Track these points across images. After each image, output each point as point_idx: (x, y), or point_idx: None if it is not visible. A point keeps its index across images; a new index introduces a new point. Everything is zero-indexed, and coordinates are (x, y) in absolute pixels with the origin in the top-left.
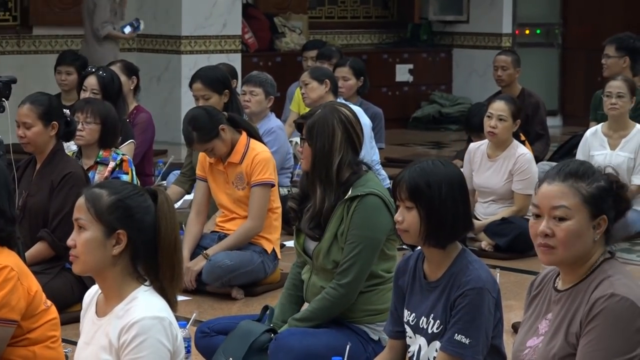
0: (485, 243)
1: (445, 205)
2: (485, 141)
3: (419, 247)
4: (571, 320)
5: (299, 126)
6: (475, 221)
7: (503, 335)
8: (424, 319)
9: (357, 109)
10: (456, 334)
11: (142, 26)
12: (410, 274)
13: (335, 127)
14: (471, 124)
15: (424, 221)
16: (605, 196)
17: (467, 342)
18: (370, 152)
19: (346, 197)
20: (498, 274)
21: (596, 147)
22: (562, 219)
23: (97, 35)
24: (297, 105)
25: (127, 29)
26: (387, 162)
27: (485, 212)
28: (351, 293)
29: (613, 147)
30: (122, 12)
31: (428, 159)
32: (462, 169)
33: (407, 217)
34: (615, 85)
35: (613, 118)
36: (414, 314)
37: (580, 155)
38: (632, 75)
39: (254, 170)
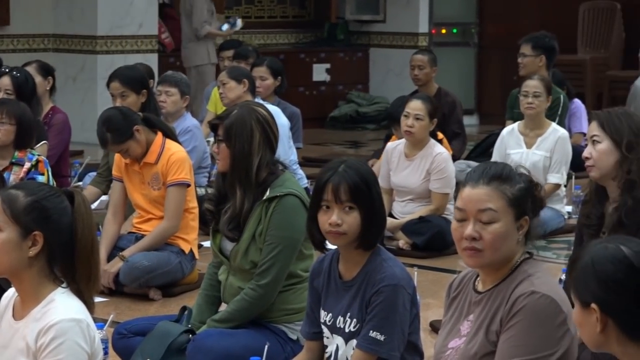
0: (402, 242)
1: (381, 205)
2: (403, 140)
3: (335, 247)
4: (492, 319)
5: (214, 127)
6: (393, 220)
7: (420, 332)
8: (340, 318)
9: (274, 109)
10: (371, 331)
11: (239, 23)
12: (325, 274)
13: (253, 128)
14: (394, 117)
15: (364, 222)
16: (526, 197)
17: (382, 338)
18: (288, 151)
19: (264, 197)
20: (416, 273)
21: (512, 145)
22: (489, 222)
23: (198, 35)
24: (214, 105)
25: (225, 27)
26: (304, 162)
27: (403, 211)
28: (270, 293)
29: (529, 145)
30: (213, 10)
31: (347, 159)
32: (379, 168)
33: (346, 219)
34: (532, 85)
35: (529, 117)
36: (330, 314)
37: (496, 154)
38: (548, 74)
39: (169, 170)
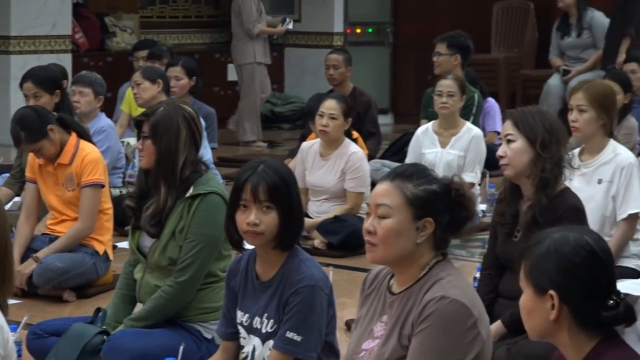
0: (318, 241)
1: (299, 205)
2: (318, 140)
3: (252, 247)
4: (404, 323)
5: (138, 123)
6: (308, 219)
7: (336, 332)
8: (257, 319)
9: None
10: (288, 332)
11: (289, 22)
12: (242, 274)
13: (180, 125)
14: (311, 113)
15: (282, 222)
16: (436, 200)
17: (299, 339)
18: (204, 152)
19: (187, 195)
20: (331, 272)
21: (427, 145)
22: (383, 217)
23: (250, 34)
24: (127, 105)
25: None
26: (219, 162)
27: (318, 210)
28: (188, 291)
29: (444, 145)
30: (262, 9)
31: (266, 159)
32: (294, 168)
33: (264, 219)
34: (446, 84)
35: (444, 117)
36: (247, 315)
37: (411, 153)
38: (462, 73)
39: (83, 170)
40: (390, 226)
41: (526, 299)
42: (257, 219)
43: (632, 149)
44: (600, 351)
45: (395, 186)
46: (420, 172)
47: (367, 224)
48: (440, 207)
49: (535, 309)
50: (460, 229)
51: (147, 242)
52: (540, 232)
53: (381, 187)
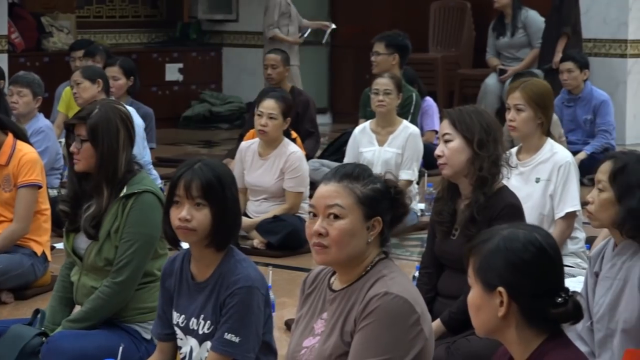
0: (257, 241)
1: (235, 205)
2: (257, 139)
3: (186, 247)
4: (346, 319)
5: (70, 126)
6: (247, 219)
7: (275, 331)
8: (194, 320)
9: (129, 109)
10: (226, 333)
11: (308, 32)
12: (177, 275)
13: (119, 126)
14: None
15: (215, 220)
16: (381, 198)
17: (237, 340)
18: (143, 152)
19: (122, 194)
20: (270, 272)
21: (365, 144)
22: (336, 218)
23: (264, 36)
24: (65, 105)
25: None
26: (158, 162)
27: (257, 210)
28: (126, 291)
29: (381, 143)
30: (290, 13)
31: (206, 159)
32: (233, 168)
33: (196, 216)
34: (382, 83)
35: (381, 115)
36: (183, 316)
37: (349, 152)
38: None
39: (20, 171)
40: (344, 227)
41: (474, 295)
42: (188, 214)
43: (559, 140)
44: (546, 349)
45: (344, 187)
46: (365, 172)
47: (317, 225)
48: (384, 205)
49: (484, 306)
50: (397, 226)
51: (82, 244)
52: (488, 229)
53: (329, 188)
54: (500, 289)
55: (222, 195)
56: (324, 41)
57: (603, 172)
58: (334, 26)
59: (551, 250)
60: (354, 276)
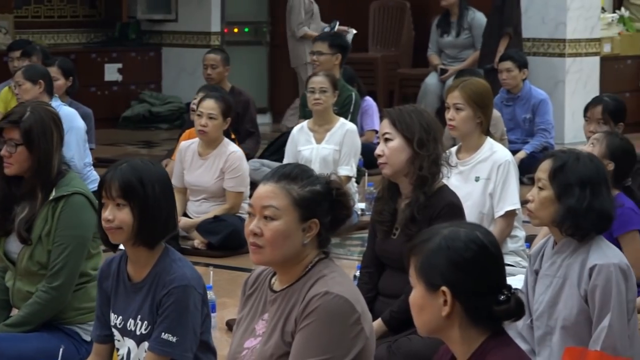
0: (198, 241)
1: (158, 203)
2: (197, 139)
3: (122, 248)
4: (287, 319)
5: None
6: (187, 220)
7: (216, 332)
8: (131, 321)
9: (71, 111)
10: (163, 333)
11: (336, 28)
12: (113, 276)
13: (52, 128)
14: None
15: (137, 219)
16: (320, 200)
17: (174, 340)
18: (84, 154)
19: (51, 197)
20: (211, 272)
21: (302, 142)
22: (271, 219)
23: (295, 35)
24: (4, 105)
25: (326, 30)
26: (97, 163)
27: (198, 210)
28: (64, 295)
29: (319, 141)
30: (313, 11)
31: (136, 158)
32: (173, 168)
33: (118, 215)
34: (318, 81)
35: (317, 113)
36: (120, 317)
37: (288, 151)
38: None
39: None
40: (278, 228)
41: (417, 295)
42: (110, 215)
43: (501, 139)
44: (488, 348)
45: (281, 188)
46: (304, 173)
47: (253, 225)
48: (324, 207)
49: (427, 306)
50: (339, 227)
51: (14, 247)
52: (429, 228)
53: (266, 188)
54: (444, 288)
55: (143, 194)
56: None
57: (543, 170)
58: (354, 31)
59: (492, 247)
60: (293, 276)
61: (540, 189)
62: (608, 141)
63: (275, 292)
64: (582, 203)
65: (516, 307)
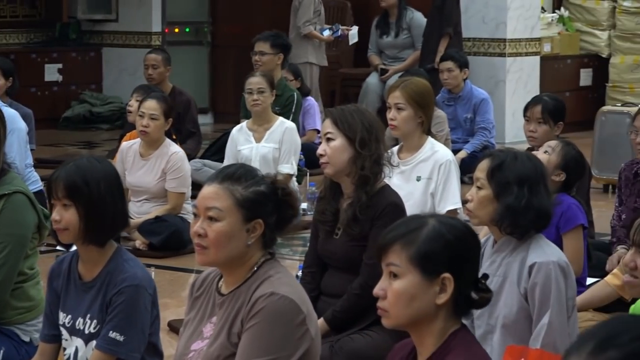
0: (139, 242)
1: (104, 202)
2: (138, 140)
3: (74, 248)
4: (233, 321)
5: None
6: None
7: (160, 332)
8: (80, 320)
9: (12, 112)
10: (111, 332)
11: (340, 31)
12: (64, 275)
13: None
14: None
15: (83, 219)
16: (264, 201)
17: (122, 339)
18: (25, 155)
19: None
20: (153, 273)
21: (242, 141)
22: (214, 220)
23: (300, 32)
24: None
25: (326, 32)
26: (38, 163)
27: (139, 210)
28: (2, 294)
29: (258, 140)
30: (321, 12)
31: (83, 157)
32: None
33: (65, 216)
34: (255, 82)
35: (256, 114)
36: (70, 316)
37: (228, 151)
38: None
39: None
40: (221, 229)
41: (408, 285)
42: (57, 215)
43: (445, 140)
44: (452, 345)
45: (224, 188)
46: (248, 174)
47: (197, 226)
48: (268, 207)
49: (421, 294)
50: (286, 227)
51: None
52: (407, 218)
53: (210, 189)
54: (446, 274)
55: (88, 193)
56: (350, 43)
57: (481, 170)
58: (357, 27)
59: (477, 235)
60: (239, 278)
61: (479, 188)
62: (564, 152)
63: (223, 295)
64: (520, 201)
65: (491, 297)
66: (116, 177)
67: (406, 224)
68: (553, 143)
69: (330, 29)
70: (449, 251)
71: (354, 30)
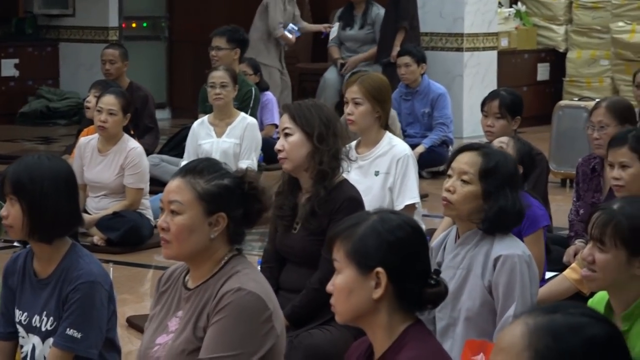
0: (97, 238)
1: (47, 200)
2: (96, 135)
3: (29, 245)
4: (199, 315)
5: None
6: (86, 216)
7: (118, 328)
8: (36, 317)
9: None
10: (68, 329)
11: (297, 32)
12: (19, 273)
13: None
14: None
15: (26, 216)
16: (227, 195)
17: (79, 336)
18: None
19: None
20: (112, 268)
21: (203, 136)
22: (176, 214)
23: (273, 34)
24: None
25: (288, 34)
26: None
27: (97, 206)
28: None
29: (219, 134)
30: (293, 13)
31: (35, 154)
32: (72, 164)
33: (11, 212)
34: (218, 76)
35: (218, 108)
36: (26, 313)
37: (189, 145)
38: (238, 65)
39: None
40: (182, 222)
41: (346, 279)
42: (5, 211)
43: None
44: (407, 339)
45: (186, 182)
46: (211, 167)
47: (161, 220)
48: (232, 201)
49: (357, 289)
50: (255, 221)
51: None
52: (353, 215)
53: (173, 183)
54: (379, 269)
55: (31, 190)
56: (330, 39)
57: (470, 164)
58: (335, 26)
59: (421, 231)
60: (206, 273)
61: (465, 182)
62: (518, 146)
63: (189, 289)
64: (512, 203)
65: (445, 292)
66: (66, 176)
67: (350, 219)
68: (505, 139)
69: (289, 30)
70: (383, 246)
71: (335, 27)
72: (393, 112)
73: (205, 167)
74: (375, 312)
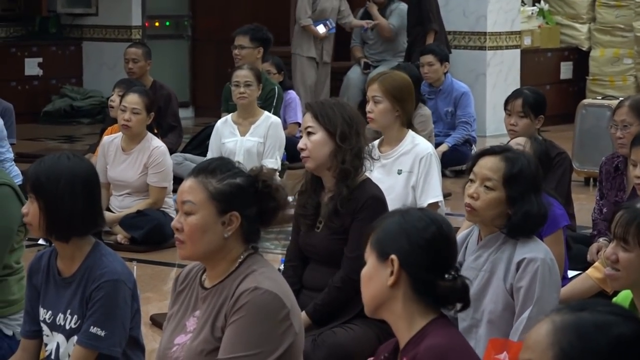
0: (121, 236)
1: (61, 199)
2: (120, 134)
3: (53, 244)
4: (217, 315)
5: None
6: (110, 214)
7: (141, 326)
8: (61, 315)
9: None
10: (92, 327)
11: (334, 28)
12: (44, 271)
13: None
14: None
15: (43, 214)
16: (240, 193)
17: (103, 334)
18: (4, 151)
19: None
20: (135, 267)
21: (227, 135)
22: (189, 214)
23: (298, 23)
24: None
25: (320, 27)
26: (18, 158)
27: (121, 205)
28: None
29: (243, 133)
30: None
31: (56, 154)
32: (96, 162)
33: (30, 210)
34: (243, 75)
35: (242, 107)
36: (50, 312)
37: (212, 144)
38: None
39: None
40: (195, 222)
41: (368, 268)
42: (26, 209)
43: (429, 137)
44: (429, 330)
45: (198, 182)
46: (224, 166)
47: (175, 221)
48: (245, 199)
49: (375, 276)
50: (271, 220)
51: None
52: (390, 211)
53: (186, 183)
54: (392, 256)
55: (47, 189)
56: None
57: (492, 170)
58: (372, 23)
59: (446, 227)
60: (222, 271)
61: (489, 188)
62: (534, 147)
63: (206, 289)
64: (538, 208)
65: (462, 288)
66: (85, 176)
67: (383, 215)
68: (522, 139)
69: (323, 23)
70: (399, 235)
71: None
72: (428, 112)
73: (218, 166)
74: (392, 301)
